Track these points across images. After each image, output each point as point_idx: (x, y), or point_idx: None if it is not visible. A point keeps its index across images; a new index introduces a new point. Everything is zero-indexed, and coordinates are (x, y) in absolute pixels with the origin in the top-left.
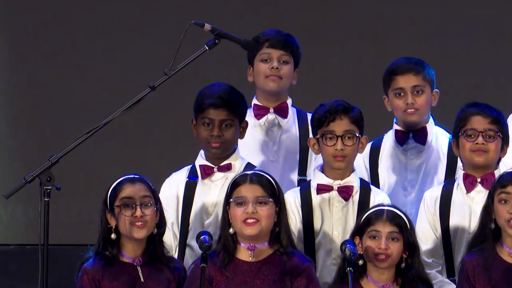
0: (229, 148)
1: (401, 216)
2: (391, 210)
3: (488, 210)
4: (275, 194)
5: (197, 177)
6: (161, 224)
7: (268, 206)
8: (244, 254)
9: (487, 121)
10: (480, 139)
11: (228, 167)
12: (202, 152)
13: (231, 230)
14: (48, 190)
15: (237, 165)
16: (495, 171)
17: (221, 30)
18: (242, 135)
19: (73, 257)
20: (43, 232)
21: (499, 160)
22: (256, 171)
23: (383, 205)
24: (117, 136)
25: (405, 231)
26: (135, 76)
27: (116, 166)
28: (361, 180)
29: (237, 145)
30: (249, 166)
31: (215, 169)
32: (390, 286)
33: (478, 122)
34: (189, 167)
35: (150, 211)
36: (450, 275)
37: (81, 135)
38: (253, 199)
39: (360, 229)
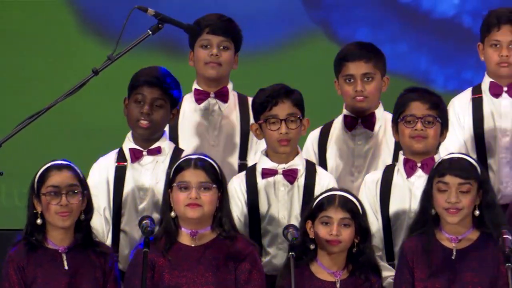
0: (157, 131)
1: (353, 202)
2: (343, 196)
3: (427, 196)
4: (218, 180)
5: (126, 161)
6: (88, 210)
7: (211, 192)
8: (186, 238)
9: (426, 107)
10: (419, 125)
11: (158, 150)
12: (129, 135)
13: (172, 214)
14: None
15: (166, 148)
16: (435, 156)
17: (164, 14)
18: (171, 121)
19: None
20: None
21: (439, 144)
22: (200, 156)
23: (336, 190)
24: (57, 121)
25: (357, 216)
26: (79, 60)
27: (57, 151)
28: (307, 162)
29: (165, 130)
30: (177, 149)
31: (144, 153)
32: (341, 273)
33: (417, 108)
34: (116, 151)
35: (76, 200)
36: (389, 259)
37: (24, 120)
38: (196, 184)
39: (312, 214)
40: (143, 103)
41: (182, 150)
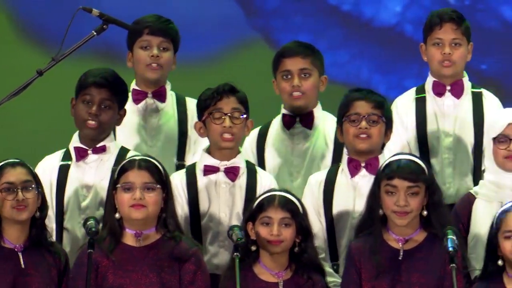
0: (104, 132)
1: (293, 201)
2: (283, 196)
3: (375, 196)
4: (162, 180)
5: (71, 160)
6: (43, 207)
7: (155, 193)
8: (130, 239)
9: (370, 106)
10: (363, 124)
11: (103, 149)
12: (76, 135)
13: (117, 215)
14: None
15: (112, 148)
16: (379, 156)
17: (109, 15)
18: (118, 122)
19: None
20: None
21: (383, 145)
22: (144, 157)
23: (275, 190)
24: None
25: (297, 216)
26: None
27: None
28: (247, 162)
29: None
30: (123, 149)
31: (89, 151)
32: (283, 273)
33: (362, 107)
34: (63, 150)
35: (31, 195)
36: (333, 259)
37: None
38: (140, 185)
39: (252, 215)
40: (91, 103)
41: (128, 150)
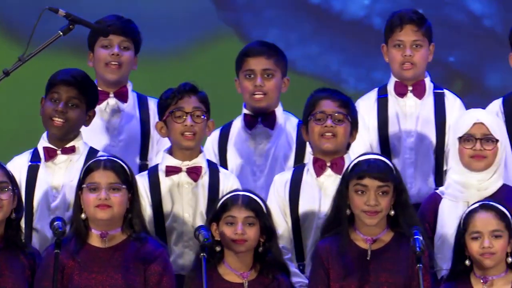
0: (71, 131)
1: (257, 201)
2: (247, 195)
3: (342, 196)
4: (128, 181)
5: (40, 160)
6: (18, 209)
7: (121, 193)
8: (96, 240)
9: (336, 105)
10: (329, 122)
11: (72, 149)
12: (44, 135)
13: (83, 216)
14: None
15: (81, 148)
16: (344, 156)
17: (75, 15)
18: (87, 123)
19: None
20: None
21: (349, 145)
22: (109, 157)
23: (239, 190)
24: None
25: (261, 215)
26: None
27: None
28: (209, 161)
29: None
30: (92, 150)
31: (58, 152)
32: (248, 274)
33: (327, 106)
34: (31, 150)
35: (6, 196)
36: (299, 259)
37: None
38: (106, 185)
39: (216, 215)
40: (59, 101)
41: (97, 151)
